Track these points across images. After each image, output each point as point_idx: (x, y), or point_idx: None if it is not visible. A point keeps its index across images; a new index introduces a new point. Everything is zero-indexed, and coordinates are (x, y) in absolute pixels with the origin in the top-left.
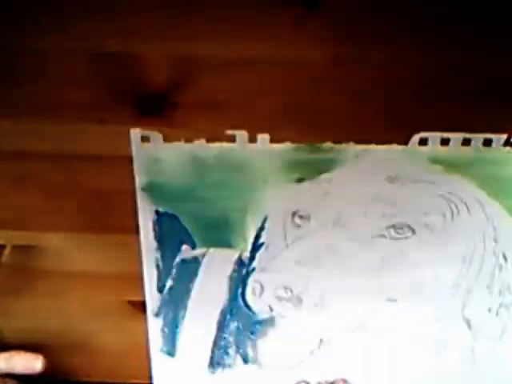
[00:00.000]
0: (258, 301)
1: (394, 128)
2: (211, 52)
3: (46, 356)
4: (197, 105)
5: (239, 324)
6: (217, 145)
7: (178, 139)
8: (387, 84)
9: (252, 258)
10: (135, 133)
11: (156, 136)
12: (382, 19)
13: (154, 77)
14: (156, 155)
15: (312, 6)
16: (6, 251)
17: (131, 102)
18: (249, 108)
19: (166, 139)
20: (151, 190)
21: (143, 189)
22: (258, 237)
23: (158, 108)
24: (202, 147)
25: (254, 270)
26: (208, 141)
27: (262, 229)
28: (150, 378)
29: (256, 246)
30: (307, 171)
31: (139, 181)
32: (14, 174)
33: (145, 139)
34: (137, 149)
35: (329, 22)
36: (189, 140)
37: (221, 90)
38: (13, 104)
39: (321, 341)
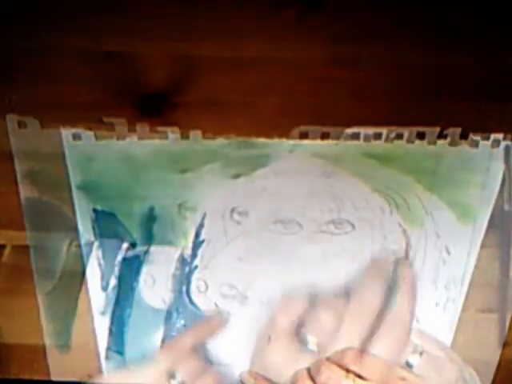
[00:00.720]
0: (203, 298)
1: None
2: (211, 52)
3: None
4: (197, 105)
5: (186, 322)
6: (148, 142)
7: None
8: (387, 84)
9: (194, 255)
10: (66, 131)
11: (87, 134)
12: (382, 19)
13: (154, 77)
14: (89, 153)
15: (312, 5)
16: (6, 251)
17: (131, 102)
18: (249, 108)
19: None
20: (87, 188)
21: (78, 187)
22: (198, 234)
23: (158, 108)
24: (133, 144)
25: (196, 267)
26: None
27: (201, 226)
28: None
29: (197, 244)
30: (242, 167)
31: (73, 179)
32: (14, 174)
33: (76, 137)
34: (69, 147)
35: (329, 21)
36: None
37: (221, 89)
38: (13, 104)
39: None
